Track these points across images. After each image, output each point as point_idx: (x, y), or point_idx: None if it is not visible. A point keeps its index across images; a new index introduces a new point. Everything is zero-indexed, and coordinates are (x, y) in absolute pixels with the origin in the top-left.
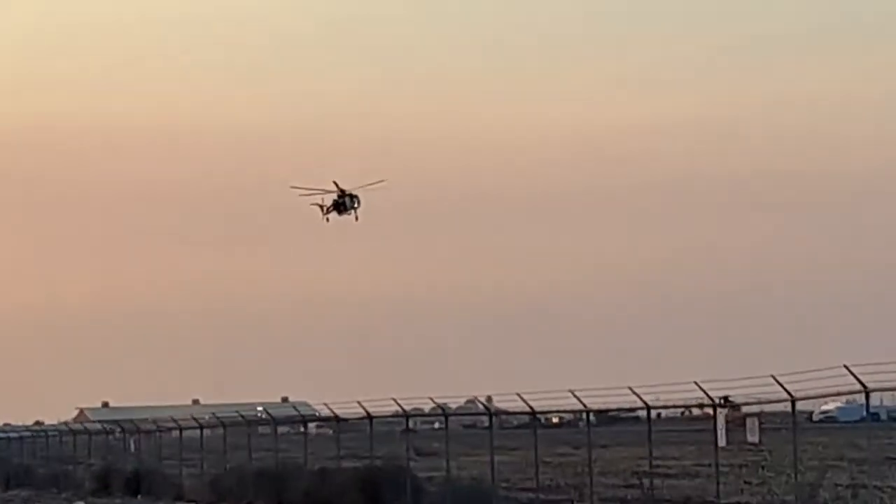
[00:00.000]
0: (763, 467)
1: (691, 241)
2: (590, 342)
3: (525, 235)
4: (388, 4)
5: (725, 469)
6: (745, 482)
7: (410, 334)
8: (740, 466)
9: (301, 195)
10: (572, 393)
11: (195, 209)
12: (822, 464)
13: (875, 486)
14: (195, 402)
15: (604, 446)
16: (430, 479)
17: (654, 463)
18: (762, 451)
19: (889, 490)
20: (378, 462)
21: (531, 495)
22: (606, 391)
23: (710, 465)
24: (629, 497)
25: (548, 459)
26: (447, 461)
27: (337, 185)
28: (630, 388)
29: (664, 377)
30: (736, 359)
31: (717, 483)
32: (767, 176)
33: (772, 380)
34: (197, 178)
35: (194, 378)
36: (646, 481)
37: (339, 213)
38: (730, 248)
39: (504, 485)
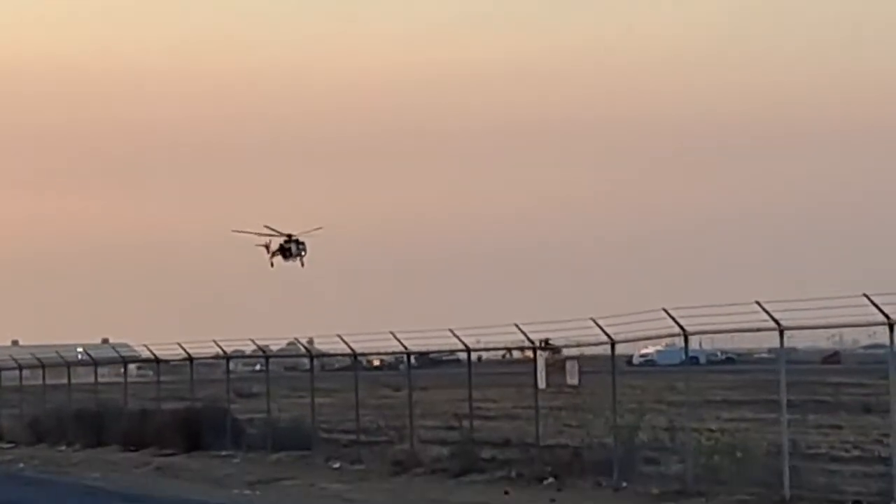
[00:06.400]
0: (582, 409)
1: (511, 186)
2: (410, 284)
3: (345, 174)
4: None
5: (545, 411)
6: (565, 424)
7: (232, 276)
8: (560, 409)
9: (244, 236)
10: (393, 335)
11: (10, 150)
12: (641, 406)
13: (692, 429)
14: (14, 342)
15: (424, 388)
16: (250, 420)
17: (475, 405)
18: (581, 393)
19: (706, 431)
20: (199, 404)
21: (352, 436)
22: (427, 333)
23: (529, 408)
24: (449, 439)
25: (369, 401)
26: (268, 403)
27: (275, 231)
28: (451, 331)
29: (485, 319)
30: (556, 302)
31: (537, 425)
32: (598, 123)
33: (592, 323)
34: (14, 116)
35: (13, 318)
36: (465, 423)
37: (285, 258)
38: (549, 192)
39: (324, 426)
